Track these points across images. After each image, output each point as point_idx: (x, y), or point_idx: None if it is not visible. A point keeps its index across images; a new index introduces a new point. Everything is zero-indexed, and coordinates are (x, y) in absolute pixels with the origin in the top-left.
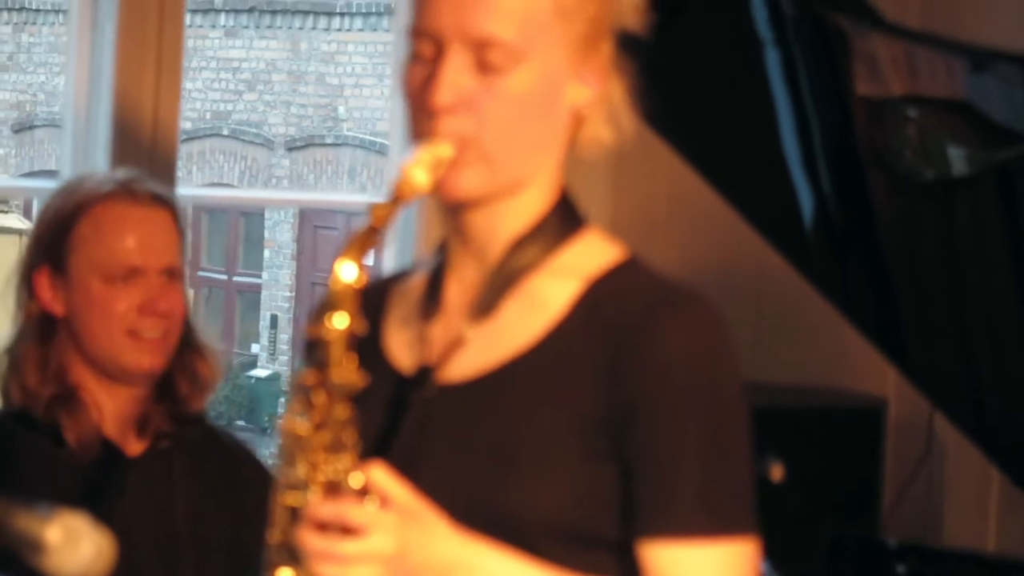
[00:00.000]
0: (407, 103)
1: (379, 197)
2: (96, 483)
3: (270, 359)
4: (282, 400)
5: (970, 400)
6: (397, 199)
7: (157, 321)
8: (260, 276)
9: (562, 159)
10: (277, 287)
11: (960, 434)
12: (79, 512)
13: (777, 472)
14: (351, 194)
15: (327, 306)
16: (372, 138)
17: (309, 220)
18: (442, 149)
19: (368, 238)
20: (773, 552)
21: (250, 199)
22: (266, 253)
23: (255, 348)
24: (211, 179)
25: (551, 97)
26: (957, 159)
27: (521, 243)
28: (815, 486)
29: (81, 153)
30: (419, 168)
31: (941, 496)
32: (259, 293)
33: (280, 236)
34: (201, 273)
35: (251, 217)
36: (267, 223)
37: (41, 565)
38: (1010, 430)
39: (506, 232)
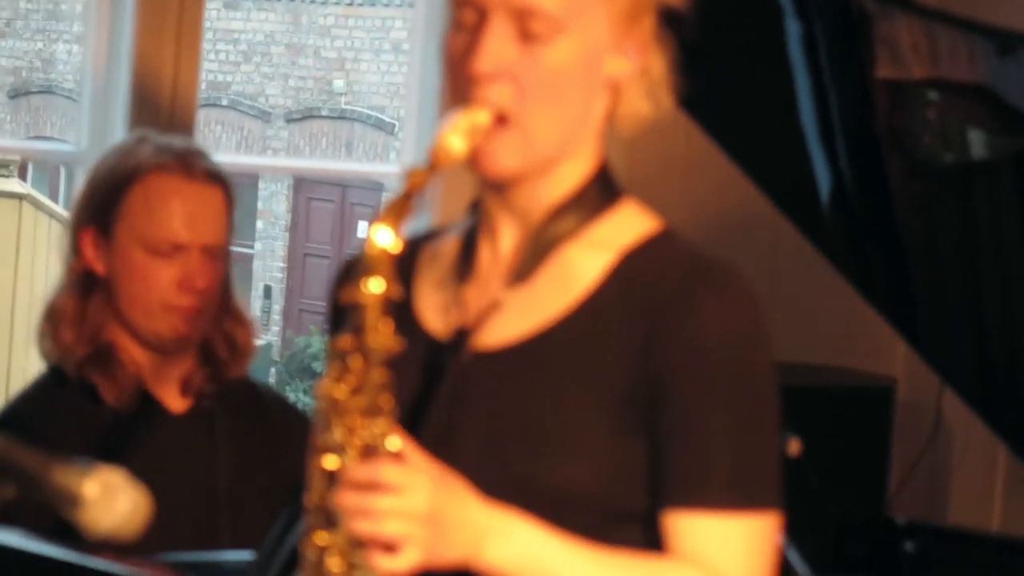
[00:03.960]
0: (447, 70)
1: (372, 167)
2: (136, 437)
3: (263, 329)
4: (273, 370)
5: (981, 379)
6: (433, 165)
7: (194, 296)
8: (253, 247)
9: (601, 131)
10: (271, 258)
11: (967, 414)
12: (117, 467)
13: (795, 447)
14: (347, 163)
15: (363, 270)
16: (369, 111)
17: (304, 192)
18: (479, 116)
19: (404, 204)
20: (785, 528)
21: (251, 166)
22: (260, 224)
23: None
24: (208, 149)
25: (591, 69)
26: (977, 144)
27: (559, 212)
28: (824, 464)
29: (100, 121)
30: (456, 135)
31: (948, 475)
32: (252, 264)
33: (275, 207)
34: None
35: (245, 188)
36: (262, 194)
37: (78, 519)
38: (1019, 409)
39: (547, 201)
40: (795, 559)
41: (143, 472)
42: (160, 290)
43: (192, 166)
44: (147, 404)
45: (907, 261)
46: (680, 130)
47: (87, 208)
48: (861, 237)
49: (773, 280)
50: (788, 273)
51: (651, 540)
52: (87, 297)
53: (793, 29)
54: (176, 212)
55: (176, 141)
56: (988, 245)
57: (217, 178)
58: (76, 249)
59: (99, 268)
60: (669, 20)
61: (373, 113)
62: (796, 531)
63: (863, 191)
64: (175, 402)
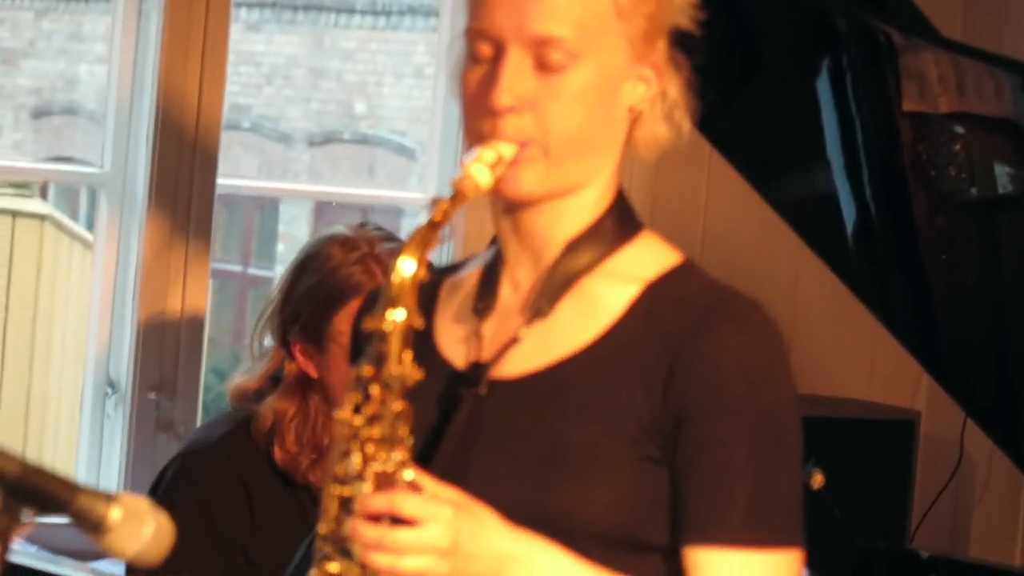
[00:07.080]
0: (464, 103)
1: (393, 192)
2: None
3: None
4: None
5: (1004, 413)
6: (458, 196)
7: None
8: (273, 269)
9: (619, 159)
10: None
11: (990, 448)
12: (140, 496)
13: (818, 480)
14: (368, 188)
15: (386, 300)
16: (391, 136)
17: (325, 216)
18: (504, 148)
19: (428, 234)
20: (807, 561)
21: (272, 189)
22: (280, 247)
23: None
24: (229, 172)
25: (610, 95)
26: (1002, 177)
27: (577, 244)
28: (847, 497)
29: (122, 144)
30: (481, 166)
31: (970, 509)
32: (271, 286)
33: (296, 230)
34: (215, 265)
35: (266, 211)
36: (283, 217)
37: (102, 544)
38: None
39: (563, 232)
40: None
41: None
42: None
43: None
44: None
45: (931, 294)
46: (704, 159)
47: (295, 321)
48: (885, 269)
49: (796, 311)
50: (811, 304)
51: (672, 573)
52: (306, 400)
53: (821, 61)
54: None
55: (381, 248)
56: (1012, 279)
57: None
58: (289, 353)
59: (313, 373)
60: (682, 42)
61: (395, 138)
62: (819, 564)
63: (888, 223)
64: None
